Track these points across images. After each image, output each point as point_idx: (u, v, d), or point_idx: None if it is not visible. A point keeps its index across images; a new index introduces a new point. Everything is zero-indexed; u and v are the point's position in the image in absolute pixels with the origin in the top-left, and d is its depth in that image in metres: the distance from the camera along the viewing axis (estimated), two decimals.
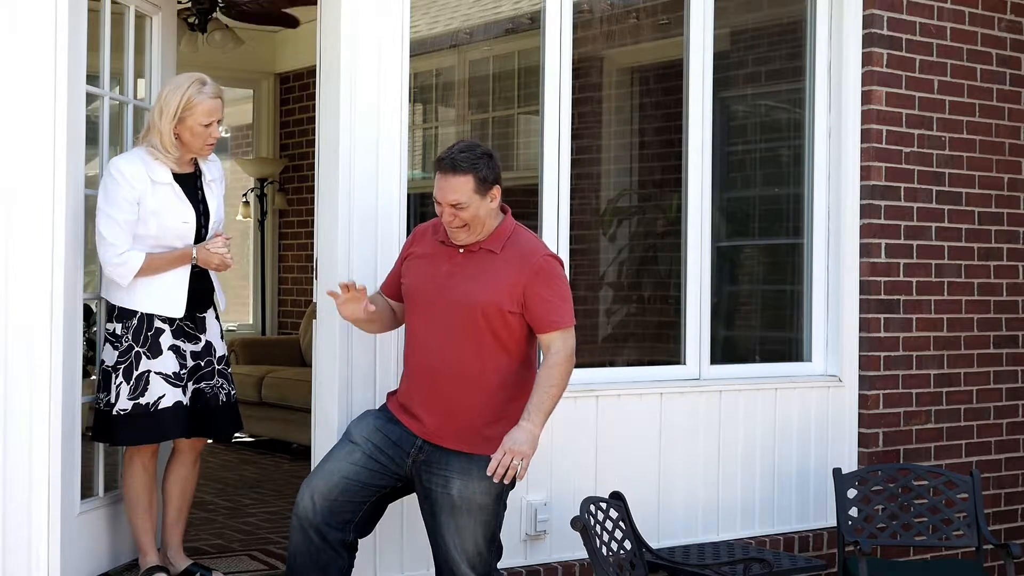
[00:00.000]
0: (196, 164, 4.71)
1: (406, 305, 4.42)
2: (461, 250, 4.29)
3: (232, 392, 4.80)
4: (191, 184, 4.66)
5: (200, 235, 4.66)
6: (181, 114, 4.54)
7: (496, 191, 4.23)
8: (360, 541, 4.44)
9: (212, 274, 4.73)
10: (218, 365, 4.74)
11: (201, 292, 4.68)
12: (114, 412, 4.53)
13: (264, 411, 8.42)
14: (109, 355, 4.59)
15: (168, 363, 4.57)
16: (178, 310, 4.59)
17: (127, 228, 4.49)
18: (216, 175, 4.77)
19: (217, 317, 4.82)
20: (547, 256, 4.30)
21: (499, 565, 4.46)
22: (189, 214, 4.61)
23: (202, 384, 4.69)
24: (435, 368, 4.26)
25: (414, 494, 4.44)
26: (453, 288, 4.24)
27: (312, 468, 4.58)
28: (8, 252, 4.16)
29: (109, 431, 4.57)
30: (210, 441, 5.58)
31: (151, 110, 4.68)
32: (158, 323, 4.57)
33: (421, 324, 4.32)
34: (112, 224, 4.46)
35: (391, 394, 4.49)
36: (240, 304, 10.55)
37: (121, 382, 4.53)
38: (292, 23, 8.50)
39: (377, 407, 4.58)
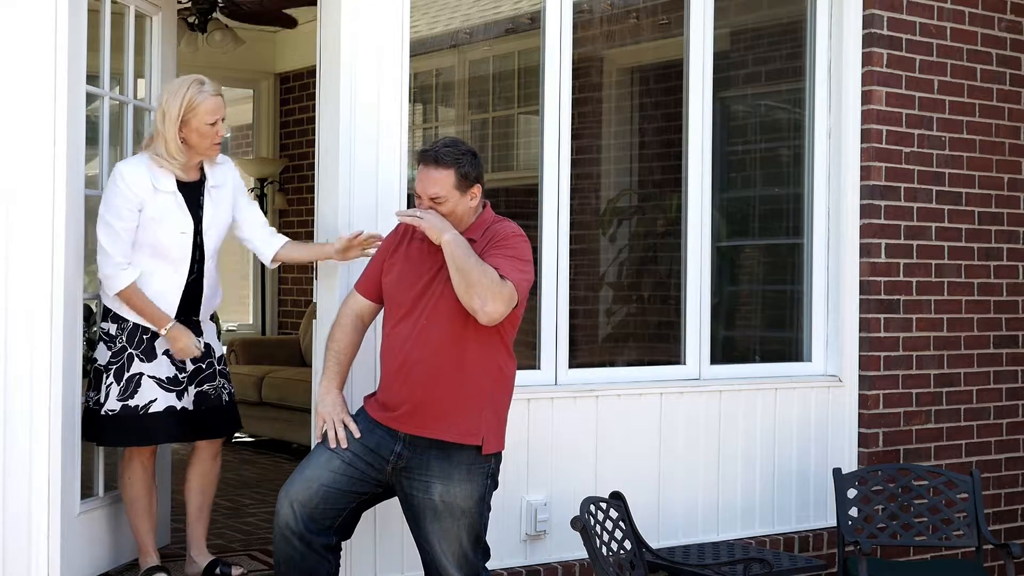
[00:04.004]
0: (202, 171, 4.68)
1: (387, 302, 4.36)
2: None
3: (232, 391, 4.82)
4: (195, 192, 4.63)
5: (196, 243, 4.62)
6: (184, 116, 4.51)
7: (476, 190, 4.24)
8: (360, 542, 4.43)
9: (208, 279, 4.69)
10: (218, 365, 4.75)
11: (196, 298, 4.66)
12: (102, 412, 4.53)
13: (264, 411, 8.42)
14: (102, 354, 4.59)
15: (162, 368, 4.57)
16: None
17: (126, 236, 4.47)
18: (220, 180, 4.70)
19: (213, 318, 4.81)
20: (509, 228, 4.27)
21: (499, 565, 4.45)
22: (187, 224, 4.58)
23: (205, 386, 4.69)
24: (415, 359, 4.19)
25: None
26: (437, 284, 4.20)
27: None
28: (8, 252, 4.16)
29: (97, 431, 4.57)
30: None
31: (153, 118, 4.65)
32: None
33: (402, 317, 4.26)
34: (110, 233, 4.45)
35: (368, 397, 4.41)
36: (240, 304, 10.55)
37: (112, 382, 4.53)
38: (290, 23, 8.49)
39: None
